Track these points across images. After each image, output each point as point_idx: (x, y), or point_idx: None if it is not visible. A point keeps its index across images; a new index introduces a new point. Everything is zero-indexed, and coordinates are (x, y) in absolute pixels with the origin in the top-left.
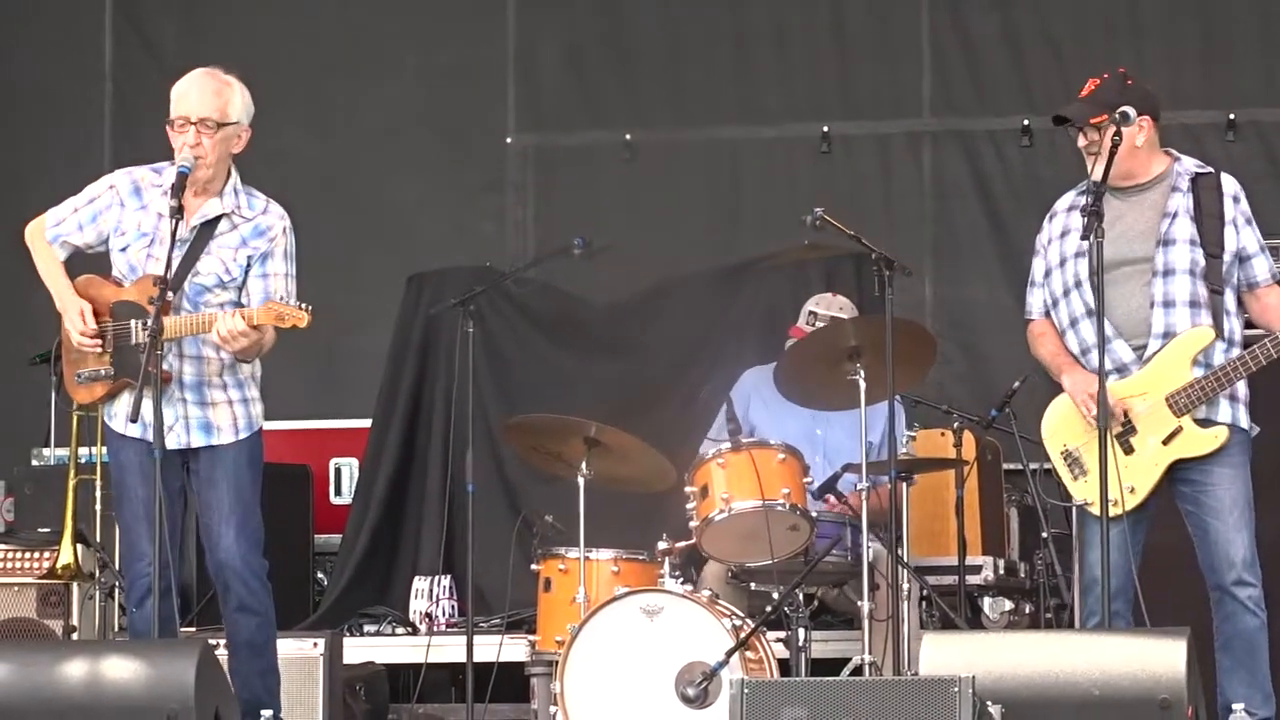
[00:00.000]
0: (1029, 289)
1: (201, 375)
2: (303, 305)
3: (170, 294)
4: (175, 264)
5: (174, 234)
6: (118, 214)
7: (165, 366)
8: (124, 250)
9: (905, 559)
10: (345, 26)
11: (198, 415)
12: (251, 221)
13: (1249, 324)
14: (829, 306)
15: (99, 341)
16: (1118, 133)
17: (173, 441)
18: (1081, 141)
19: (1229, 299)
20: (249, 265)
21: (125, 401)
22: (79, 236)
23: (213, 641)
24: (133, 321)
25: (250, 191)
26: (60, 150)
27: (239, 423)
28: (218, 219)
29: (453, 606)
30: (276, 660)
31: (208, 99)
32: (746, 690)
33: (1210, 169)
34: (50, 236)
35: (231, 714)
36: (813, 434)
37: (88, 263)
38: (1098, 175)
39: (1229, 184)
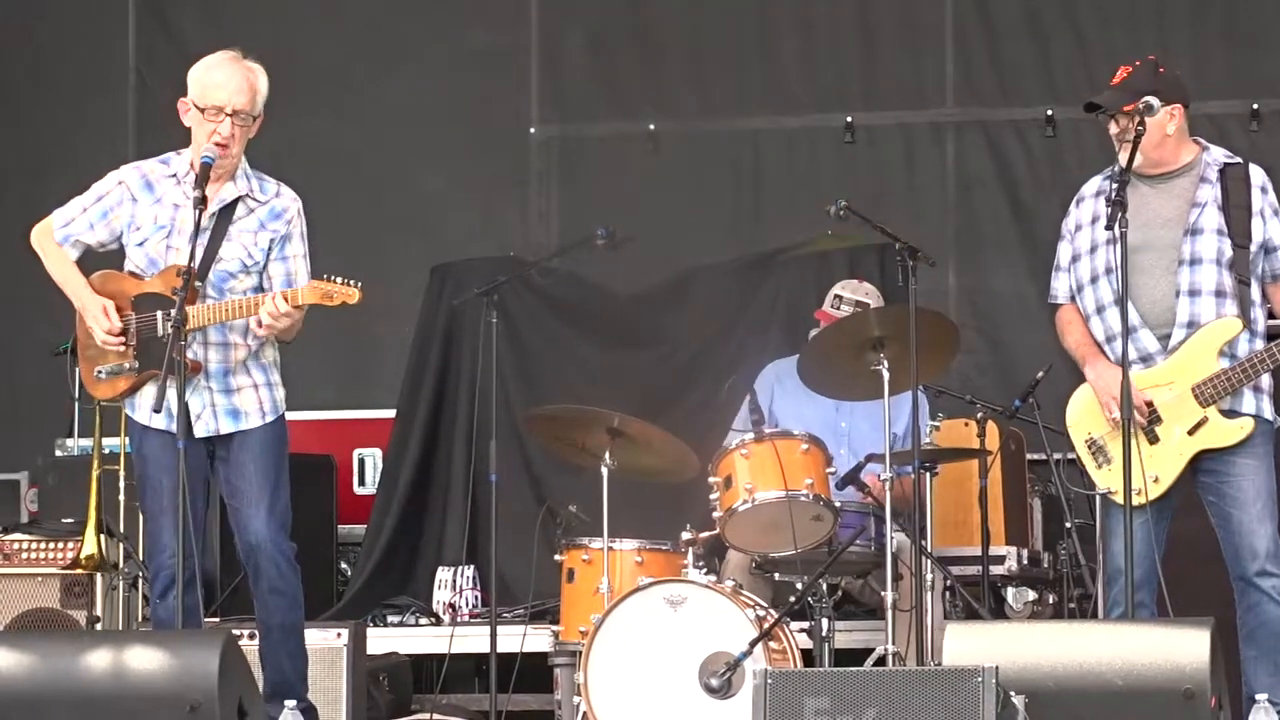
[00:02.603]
0: (1054, 273)
1: (227, 363)
2: (350, 281)
3: (197, 283)
4: (199, 248)
5: (198, 223)
6: (130, 210)
7: (191, 356)
8: (141, 245)
9: (929, 549)
10: (368, 16)
11: (224, 402)
12: (266, 205)
13: (1271, 314)
14: (855, 291)
15: (123, 339)
16: (1141, 122)
17: (201, 429)
18: (1113, 129)
19: (1255, 290)
20: (269, 248)
21: (149, 394)
22: (90, 235)
23: (236, 631)
24: (158, 313)
25: (260, 176)
26: (85, 140)
27: (265, 406)
28: (234, 204)
29: (476, 597)
30: (304, 642)
31: (244, 92)
32: (770, 680)
33: (1238, 159)
34: (60, 238)
35: (255, 704)
36: (837, 425)
37: (100, 259)
38: (1124, 163)
39: (1257, 175)
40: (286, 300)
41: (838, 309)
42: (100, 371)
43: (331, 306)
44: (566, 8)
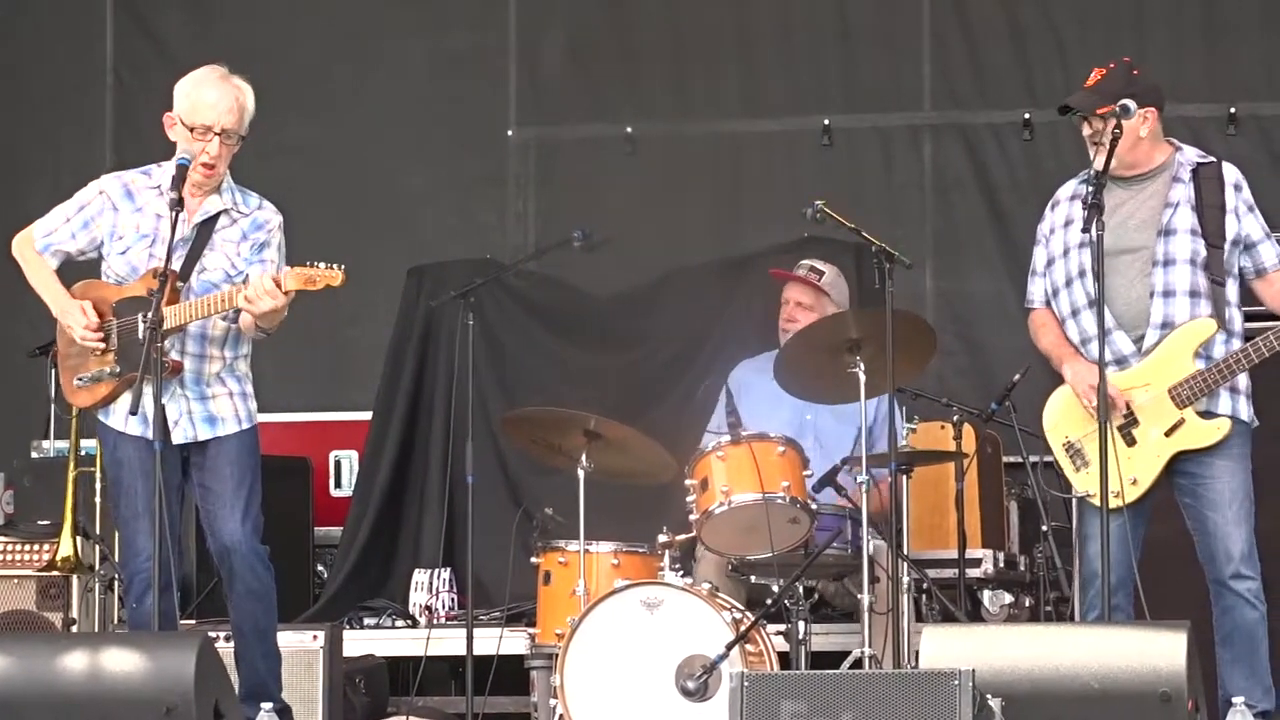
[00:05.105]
0: (1030, 278)
1: (202, 374)
2: (334, 265)
3: (180, 284)
4: (180, 258)
5: (174, 224)
6: (111, 219)
7: (174, 357)
8: (124, 253)
9: (905, 552)
10: (348, 18)
11: (200, 409)
12: (249, 217)
13: (1250, 315)
14: (814, 261)
15: (101, 338)
16: (1118, 125)
17: (179, 436)
18: (1086, 131)
19: (1230, 290)
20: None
21: (127, 400)
22: (71, 244)
23: (213, 634)
24: (138, 316)
25: (243, 190)
26: (62, 143)
27: (240, 413)
28: (217, 216)
29: (453, 599)
30: (278, 644)
31: (233, 112)
32: (746, 683)
33: (1212, 158)
34: (40, 246)
35: (231, 706)
36: (802, 419)
37: (80, 270)
38: (1099, 166)
39: (1230, 172)
40: (267, 286)
41: (794, 269)
42: (81, 378)
43: (314, 291)
44: (545, 10)
